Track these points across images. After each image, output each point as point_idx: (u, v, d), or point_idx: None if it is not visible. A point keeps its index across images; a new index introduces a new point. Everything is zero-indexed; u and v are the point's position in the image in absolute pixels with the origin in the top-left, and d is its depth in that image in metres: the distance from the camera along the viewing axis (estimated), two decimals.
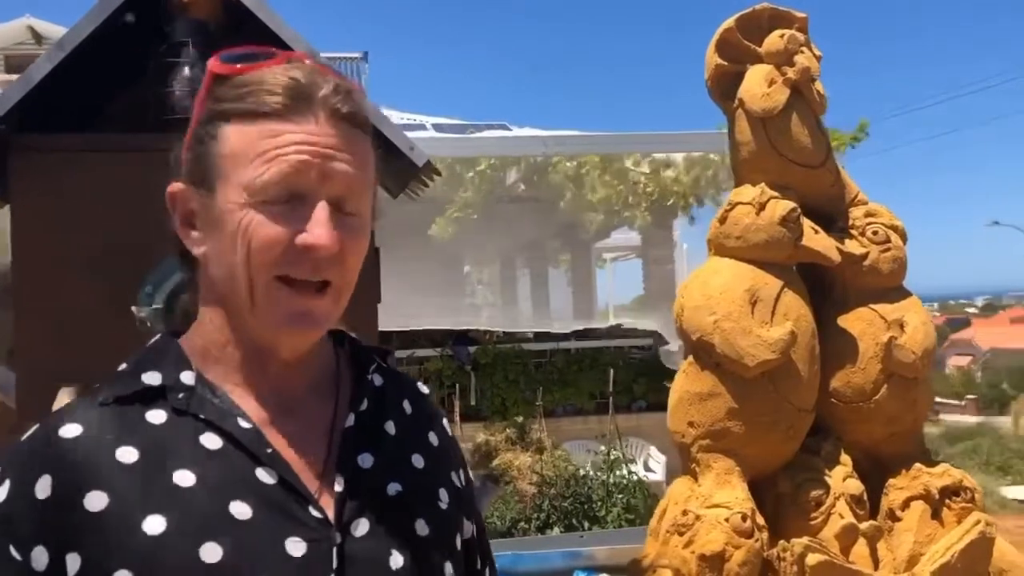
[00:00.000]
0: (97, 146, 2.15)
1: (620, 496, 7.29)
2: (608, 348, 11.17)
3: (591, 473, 7.63)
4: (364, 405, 1.01)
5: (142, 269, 2.15)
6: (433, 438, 1.08)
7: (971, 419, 20.73)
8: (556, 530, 6.94)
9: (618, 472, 7.57)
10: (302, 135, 0.88)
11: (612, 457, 7.61)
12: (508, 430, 8.96)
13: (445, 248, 10.43)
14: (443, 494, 1.03)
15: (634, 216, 10.54)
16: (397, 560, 0.92)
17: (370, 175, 0.95)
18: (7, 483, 0.86)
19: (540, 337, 11.06)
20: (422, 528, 0.97)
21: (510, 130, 11.10)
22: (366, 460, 0.97)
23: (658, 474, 8.93)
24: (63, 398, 1.99)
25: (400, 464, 1.01)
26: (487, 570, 1.15)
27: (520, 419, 9.24)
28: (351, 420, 0.98)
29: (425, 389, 1.15)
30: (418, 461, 1.03)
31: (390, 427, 1.04)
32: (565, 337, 11.08)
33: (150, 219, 2.22)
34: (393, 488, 0.97)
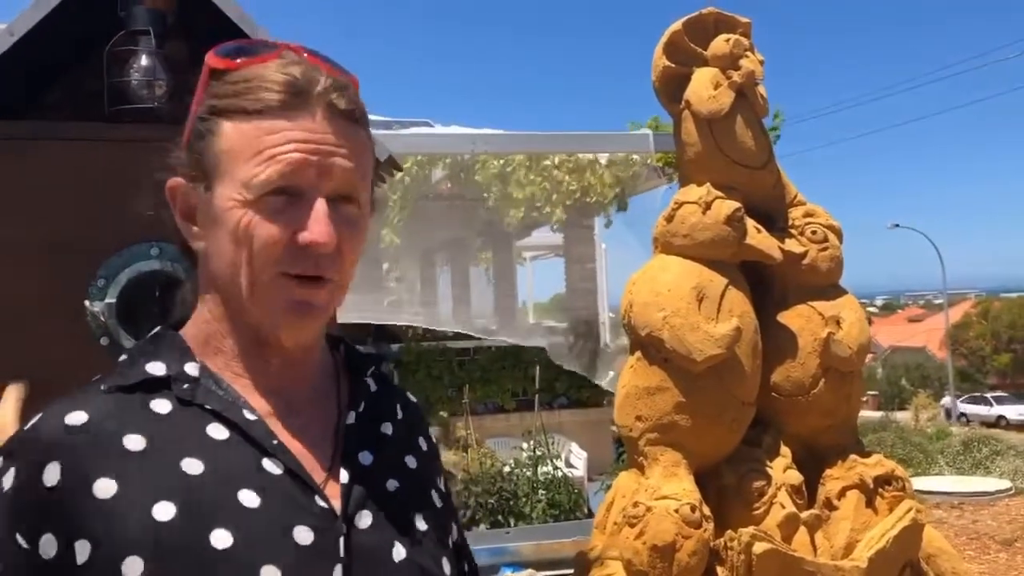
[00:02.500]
0: (45, 134, 2.05)
1: (544, 492, 7.37)
2: (531, 346, 11.27)
3: (516, 470, 7.68)
4: (362, 407, 1.03)
5: (93, 262, 2.08)
6: (422, 443, 1.13)
7: (873, 414, 21.62)
8: (482, 527, 6.96)
9: (542, 469, 7.64)
10: (300, 132, 0.89)
11: (538, 453, 7.68)
12: (432, 428, 8.97)
13: (367, 246, 10.35)
14: (434, 494, 1.08)
15: (555, 214, 10.66)
16: (399, 552, 0.95)
17: (368, 167, 0.97)
18: (13, 471, 0.85)
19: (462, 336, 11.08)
20: (420, 523, 1.00)
21: (433, 127, 11.08)
22: (366, 457, 1.00)
23: (580, 470, 9.06)
24: (10, 395, 1.91)
25: (397, 463, 1.05)
26: (471, 568, 1.19)
27: (444, 415, 9.25)
28: (352, 418, 1.01)
29: (413, 397, 1.21)
30: (411, 462, 1.07)
31: (387, 428, 1.08)
32: (486, 335, 11.13)
33: (100, 211, 2.17)
34: (392, 485, 1.01)
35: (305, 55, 0.94)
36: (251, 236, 0.88)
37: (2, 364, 2.01)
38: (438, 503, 1.06)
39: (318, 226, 0.88)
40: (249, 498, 0.87)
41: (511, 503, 7.21)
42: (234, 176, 0.89)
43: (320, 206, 0.89)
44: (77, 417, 0.87)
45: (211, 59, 0.94)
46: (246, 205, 0.88)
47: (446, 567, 1.00)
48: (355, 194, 0.94)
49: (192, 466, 0.87)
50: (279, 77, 0.90)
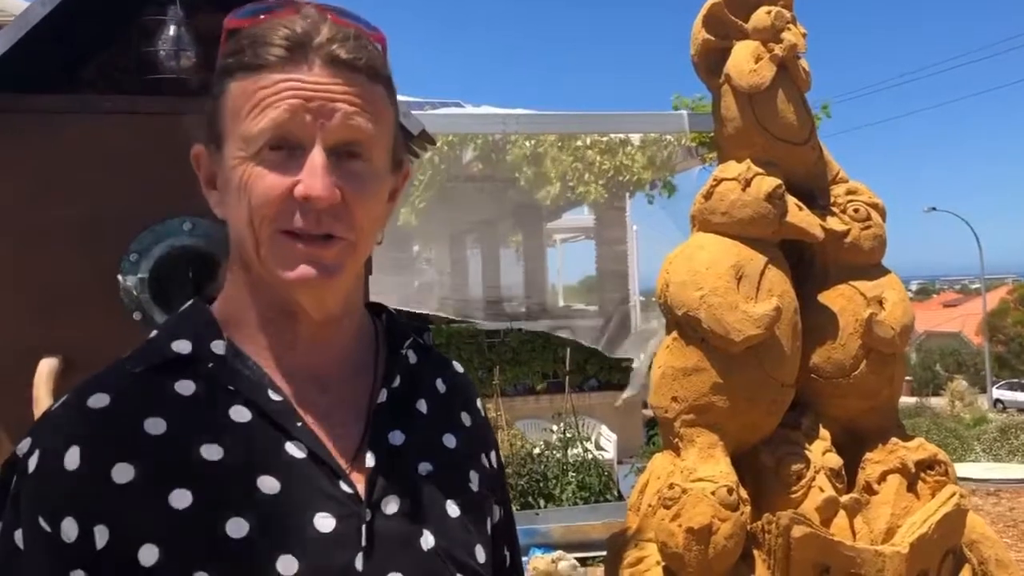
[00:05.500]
0: (77, 108, 2.05)
1: (574, 474, 7.35)
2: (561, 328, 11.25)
3: (546, 452, 7.67)
4: (396, 382, 0.98)
5: (126, 237, 2.08)
6: (466, 418, 1.06)
7: (907, 400, 21.36)
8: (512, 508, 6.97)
9: (572, 451, 7.62)
10: (295, 82, 0.85)
11: (568, 436, 7.66)
12: None
13: (394, 227, 10.38)
14: (474, 476, 1.01)
15: (588, 196, 10.59)
16: (428, 540, 0.90)
17: (383, 122, 0.91)
18: (37, 454, 0.83)
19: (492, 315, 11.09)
20: (453, 509, 0.95)
21: (464, 108, 11.03)
22: (397, 438, 0.95)
23: (610, 452, 9.05)
24: (44, 368, 1.92)
25: (431, 444, 0.99)
26: (510, 557, 1.12)
27: None
28: (383, 396, 0.96)
29: (460, 368, 1.13)
30: (450, 441, 1.01)
31: (422, 405, 1.01)
32: (516, 318, 11.13)
33: (133, 185, 2.17)
34: (424, 468, 0.95)
35: (328, 15, 0.90)
36: (250, 191, 0.85)
37: (37, 338, 2.02)
38: (476, 485, 1.00)
39: (312, 178, 0.83)
40: (269, 484, 0.84)
41: (541, 485, 7.20)
42: (236, 133, 0.87)
43: (317, 157, 0.84)
44: (99, 400, 0.85)
45: (227, 21, 0.92)
46: (246, 160, 0.85)
47: (480, 555, 0.95)
48: (362, 147, 0.88)
49: (211, 452, 0.84)
50: (280, 31, 0.87)
